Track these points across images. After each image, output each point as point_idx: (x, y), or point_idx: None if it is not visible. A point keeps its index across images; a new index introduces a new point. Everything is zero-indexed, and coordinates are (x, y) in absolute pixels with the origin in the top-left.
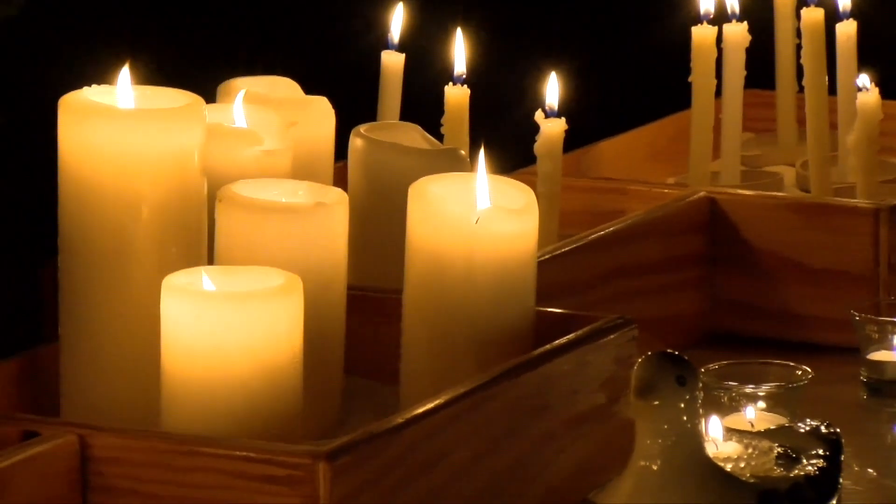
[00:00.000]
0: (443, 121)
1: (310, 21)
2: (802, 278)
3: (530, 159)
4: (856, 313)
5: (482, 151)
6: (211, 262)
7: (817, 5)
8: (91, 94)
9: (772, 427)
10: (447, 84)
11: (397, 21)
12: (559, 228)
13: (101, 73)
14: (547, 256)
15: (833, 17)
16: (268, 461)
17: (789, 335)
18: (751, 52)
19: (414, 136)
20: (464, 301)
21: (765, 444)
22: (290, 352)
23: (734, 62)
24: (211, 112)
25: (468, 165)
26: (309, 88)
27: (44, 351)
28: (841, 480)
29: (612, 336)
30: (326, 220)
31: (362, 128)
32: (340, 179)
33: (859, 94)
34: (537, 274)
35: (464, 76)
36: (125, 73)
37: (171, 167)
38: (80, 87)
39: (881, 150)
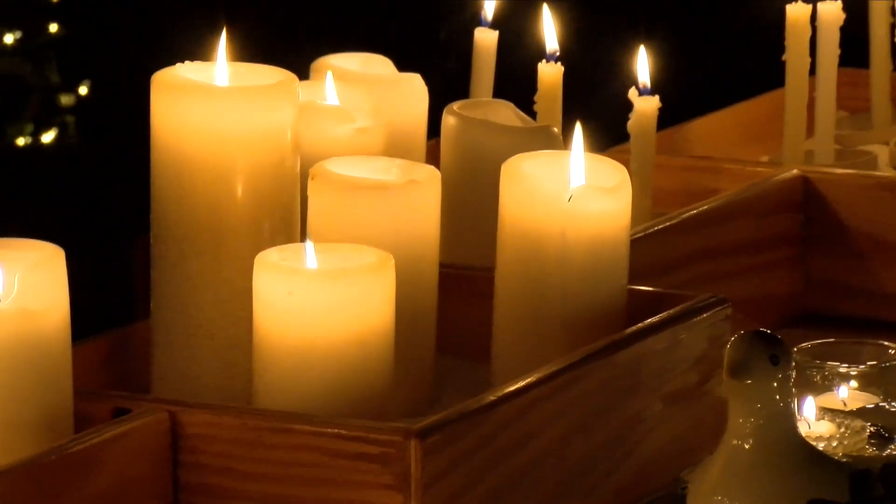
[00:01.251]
0: (536, 98)
1: None
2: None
3: (623, 137)
4: None
5: (578, 129)
6: (303, 239)
7: None
8: (184, 70)
9: (864, 406)
10: (540, 61)
11: None
12: (652, 207)
13: (194, 50)
14: (640, 235)
15: None
16: (359, 438)
17: (883, 314)
18: (845, 30)
19: (507, 113)
20: (556, 279)
21: (857, 423)
22: (382, 329)
23: (828, 41)
24: (304, 89)
25: (561, 143)
26: (402, 66)
27: (135, 327)
28: None
29: (704, 315)
30: (419, 197)
31: (455, 105)
32: (433, 157)
33: None
34: (630, 252)
35: (557, 53)
36: (221, 50)
37: (264, 144)
38: (173, 63)
39: None
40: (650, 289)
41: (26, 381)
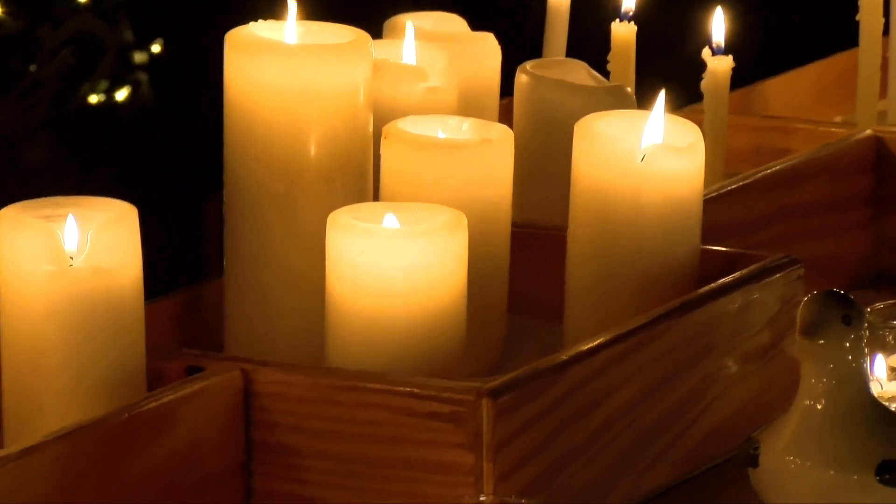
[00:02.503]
0: (609, 58)
1: None
2: None
3: (697, 97)
4: None
5: (662, 94)
6: (376, 198)
7: None
8: (257, 29)
9: None
10: (614, 21)
11: None
12: (725, 167)
13: (267, 8)
14: (713, 195)
15: None
16: (431, 397)
17: None
18: None
19: (580, 73)
20: (629, 239)
21: None
22: (455, 288)
23: None
24: (377, 48)
25: (634, 103)
26: (475, 25)
27: (208, 286)
28: None
29: (777, 275)
30: (491, 156)
31: (528, 64)
32: (506, 116)
33: None
34: (703, 212)
35: (631, 13)
36: (292, 8)
37: (338, 103)
38: (246, 22)
39: None
40: (723, 249)
41: (99, 339)
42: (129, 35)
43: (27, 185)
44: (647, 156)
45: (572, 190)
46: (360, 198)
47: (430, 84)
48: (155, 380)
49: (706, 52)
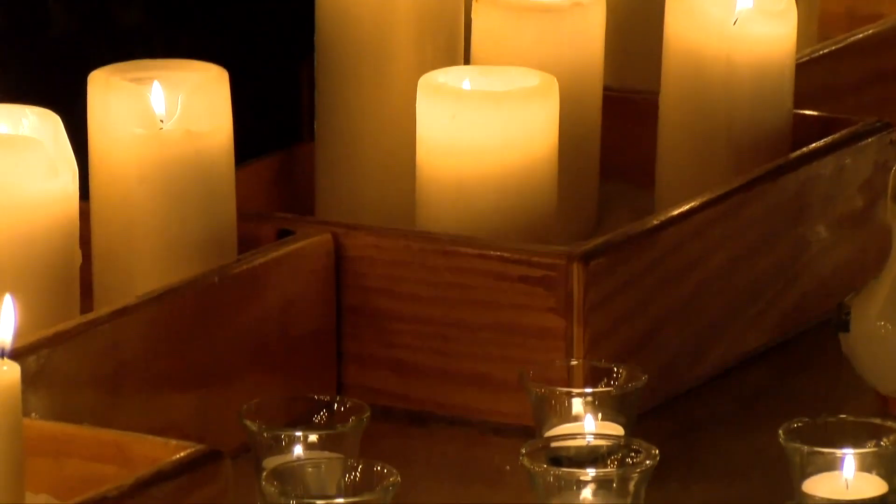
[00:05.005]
0: None
1: None
2: None
3: None
4: None
5: None
6: (467, 61)
7: None
8: None
9: None
10: None
11: None
12: (818, 31)
13: None
14: (805, 59)
15: None
16: (522, 262)
17: None
18: None
19: None
20: (721, 103)
21: None
22: (546, 152)
23: None
24: None
25: None
26: None
27: (300, 149)
28: None
29: (870, 139)
30: (583, 20)
31: None
32: None
33: None
34: (795, 77)
35: None
36: None
37: None
38: None
39: None
40: (815, 113)
41: (190, 202)
42: None
43: (117, 47)
44: (739, 19)
45: (664, 54)
46: (450, 61)
47: None
48: (246, 243)
49: None
